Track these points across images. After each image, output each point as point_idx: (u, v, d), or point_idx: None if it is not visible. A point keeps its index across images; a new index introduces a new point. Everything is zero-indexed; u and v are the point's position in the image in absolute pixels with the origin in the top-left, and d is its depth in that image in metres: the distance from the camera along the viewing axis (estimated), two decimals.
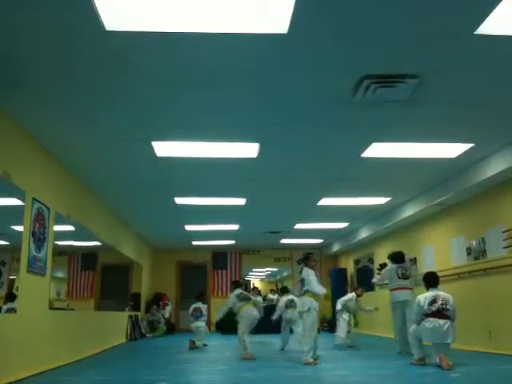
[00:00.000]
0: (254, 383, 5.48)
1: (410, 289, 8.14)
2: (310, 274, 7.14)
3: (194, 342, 9.44)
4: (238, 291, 8.59)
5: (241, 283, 9.46)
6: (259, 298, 8.82)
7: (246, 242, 15.16)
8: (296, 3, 3.29)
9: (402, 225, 10.85)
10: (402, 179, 8.08)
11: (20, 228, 5.61)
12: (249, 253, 16.75)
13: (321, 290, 7.06)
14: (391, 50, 3.99)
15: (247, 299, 8.43)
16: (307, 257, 7.43)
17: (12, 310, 5.35)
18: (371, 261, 13.49)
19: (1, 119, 5.07)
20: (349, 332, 9.39)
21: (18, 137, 5.52)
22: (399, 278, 8.11)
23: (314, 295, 6.95)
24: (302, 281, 7.21)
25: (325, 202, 9.50)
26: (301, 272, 7.29)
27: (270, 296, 17.82)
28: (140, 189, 8.54)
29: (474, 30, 3.68)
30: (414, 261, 10.69)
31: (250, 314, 8.24)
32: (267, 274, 23.28)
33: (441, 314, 5.98)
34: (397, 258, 8.43)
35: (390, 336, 8.67)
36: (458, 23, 3.61)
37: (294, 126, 5.68)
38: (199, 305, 10.30)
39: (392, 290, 8.21)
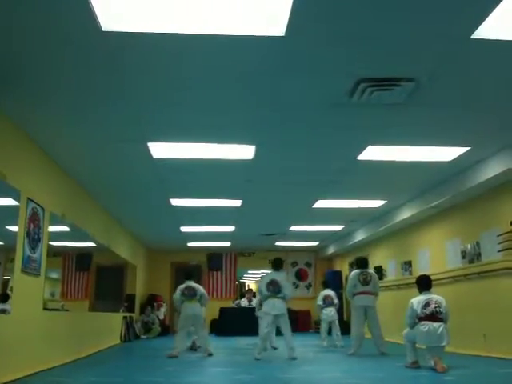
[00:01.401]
0: None
1: (372, 294, 8.35)
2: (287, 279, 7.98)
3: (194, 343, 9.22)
4: (184, 285, 8.43)
5: (192, 275, 8.87)
6: (203, 292, 8.47)
7: (242, 244, 15.15)
8: (293, 6, 3.29)
9: (398, 228, 10.86)
10: (398, 182, 8.10)
11: (15, 228, 5.59)
12: (244, 254, 16.75)
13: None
14: (387, 53, 4.00)
15: (192, 296, 8.28)
16: (282, 262, 8.14)
17: (3, 312, 5.32)
18: None
19: None
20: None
21: (14, 136, 5.51)
22: (361, 283, 8.34)
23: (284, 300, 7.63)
24: (279, 285, 7.62)
25: (320, 204, 9.50)
26: (273, 275, 7.76)
27: None
28: (135, 190, 8.53)
29: (471, 34, 3.69)
30: (408, 266, 10.72)
31: (186, 311, 8.21)
32: (262, 276, 23.26)
33: (434, 317, 5.99)
34: (361, 263, 8.72)
35: (387, 339, 8.66)
36: (454, 27, 3.62)
37: (290, 128, 5.68)
38: None
39: (355, 294, 8.41)
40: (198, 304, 8.34)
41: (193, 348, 9.16)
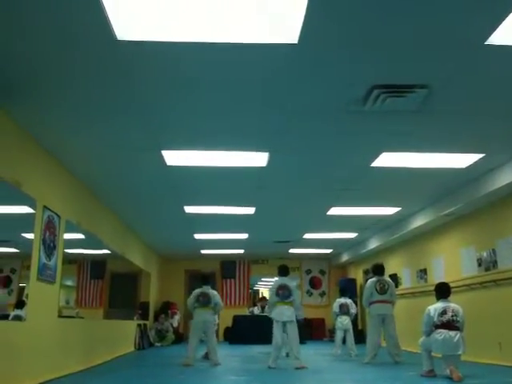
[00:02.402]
0: None
1: (389, 302, 8.26)
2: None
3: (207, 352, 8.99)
4: (199, 291, 8.25)
5: (209, 280, 8.59)
6: (218, 301, 8.26)
7: (255, 251, 15.14)
8: (306, 13, 3.30)
9: (412, 235, 10.78)
10: (412, 189, 8.06)
11: (31, 236, 5.64)
12: (257, 262, 16.73)
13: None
14: (401, 59, 4.00)
15: (205, 303, 8.13)
16: (288, 268, 8.11)
17: (17, 318, 5.36)
18: None
19: (11, 127, 5.12)
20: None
21: (29, 145, 5.57)
22: (378, 292, 8.26)
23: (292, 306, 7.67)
24: (289, 290, 7.68)
25: (334, 211, 9.48)
26: (283, 281, 7.80)
27: None
28: (150, 197, 8.57)
29: (485, 41, 3.67)
30: (423, 274, 10.63)
31: (197, 318, 8.09)
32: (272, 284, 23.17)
33: (451, 325, 5.93)
34: (377, 270, 8.58)
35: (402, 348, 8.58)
36: (468, 33, 3.61)
37: (303, 135, 5.69)
38: None
39: (372, 303, 8.34)
40: (210, 311, 8.21)
41: (207, 356, 9.06)
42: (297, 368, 7.23)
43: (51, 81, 4.34)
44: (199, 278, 8.73)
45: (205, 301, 8.18)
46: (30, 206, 5.63)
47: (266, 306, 13.44)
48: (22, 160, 5.36)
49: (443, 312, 6.01)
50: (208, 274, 9.65)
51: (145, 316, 13.50)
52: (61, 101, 4.75)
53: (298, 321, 7.89)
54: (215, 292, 8.44)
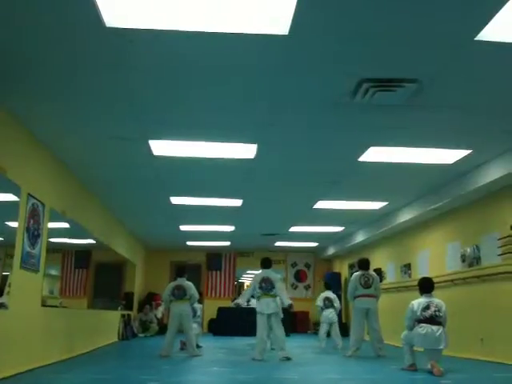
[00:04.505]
0: None
1: (374, 296, 8.33)
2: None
3: (184, 343, 8.85)
4: (174, 284, 8.22)
5: (184, 272, 8.51)
6: (193, 293, 8.26)
7: (241, 244, 15.14)
8: (297, 5, 3.28)
9: (398, 230, 10.84)
10: (399, 184, 8.09)
11: (14, 224, 5.58)
12: (243, 254, 16.72)
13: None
14: (391, 53, 3.99)
15: (181, 296, 8.11)
16: (271, 261, 8.07)
17: (2, 306, 5.30)
18: None
19: None
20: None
21: (15, 131, 5.49)
22: (362, 286, 8.31)
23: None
24: (271, 282, 7.67)
25: (321, 205, 9.49)
26: (265, 273, 7.77)
27: None
28: (136, 187, 8.52)
29: (474, 36, 3.68)
30: (407, 269, 10.70)
31: (174, 311, 8.11)
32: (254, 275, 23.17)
33: (433, 320, 5.98)
34: (363, 264, 8.65)
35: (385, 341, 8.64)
36: (458, 29, 3.61)
37: (292, 128, 5.67)
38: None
39: (356, 297, 8.40)
40: (187, 303, 8.19)
41: (183, 347, 8.97)
42: (282, 359, 7.26)
43: (40, 69, 4.29)
44: (175, 271, 8.65)
45: (180, 294, 8.15)
46: (15, 194, 5.56)
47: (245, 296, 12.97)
48: (7, 147, 5.28)
49: (426, 307, 6.05)
50: (183, 266, 9.48)
51: (129, 306, 13.46)
52: (50, 89, 4.70)
53: (286, 309, 7.97)
54: (190, 283, 8.37)
